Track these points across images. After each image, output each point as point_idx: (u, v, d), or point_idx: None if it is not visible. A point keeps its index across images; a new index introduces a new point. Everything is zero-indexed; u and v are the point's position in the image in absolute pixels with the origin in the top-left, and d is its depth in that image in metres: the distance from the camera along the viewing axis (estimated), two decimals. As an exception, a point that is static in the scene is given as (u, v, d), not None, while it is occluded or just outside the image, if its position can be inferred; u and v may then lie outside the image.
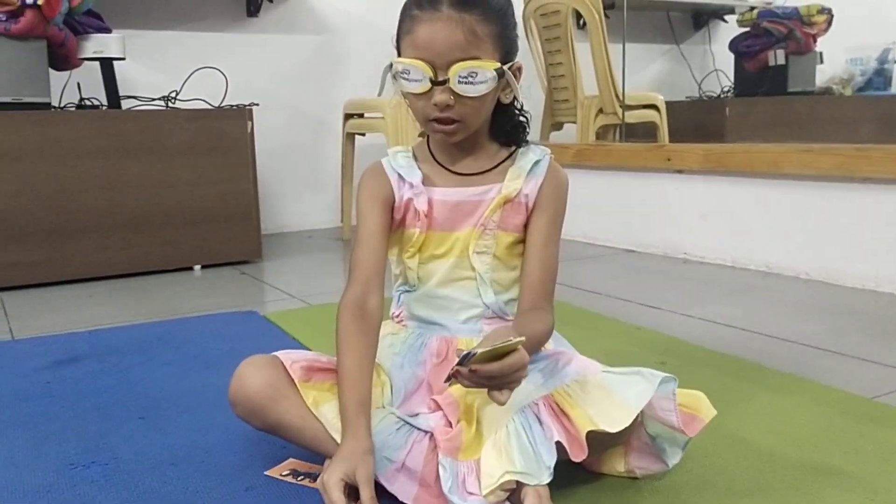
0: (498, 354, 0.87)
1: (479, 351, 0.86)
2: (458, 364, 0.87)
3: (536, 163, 1.09)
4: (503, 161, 1.10)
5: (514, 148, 1.11)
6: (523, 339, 0.88)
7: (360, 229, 1.10)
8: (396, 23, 1.03)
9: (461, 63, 0.96)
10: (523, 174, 1.08)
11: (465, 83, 0.97)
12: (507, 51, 1.01)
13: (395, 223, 1.11)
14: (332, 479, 0.89)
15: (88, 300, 2.23)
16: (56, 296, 2.28)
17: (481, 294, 1.09)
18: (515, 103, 1.09)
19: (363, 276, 1.06)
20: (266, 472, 1.06)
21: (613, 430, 0.90)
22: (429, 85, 0.98)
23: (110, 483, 1.05)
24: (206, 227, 2.63)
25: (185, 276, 2.54)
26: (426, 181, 1.09)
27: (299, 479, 1.04)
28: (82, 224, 2.42)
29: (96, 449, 1.16)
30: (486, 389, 0.90)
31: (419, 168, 1.10)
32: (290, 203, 3.50)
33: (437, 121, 1.01)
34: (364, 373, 0.98)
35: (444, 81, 0.97)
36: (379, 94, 1.09)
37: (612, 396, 0.93)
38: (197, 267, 2.63)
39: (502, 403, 0.89)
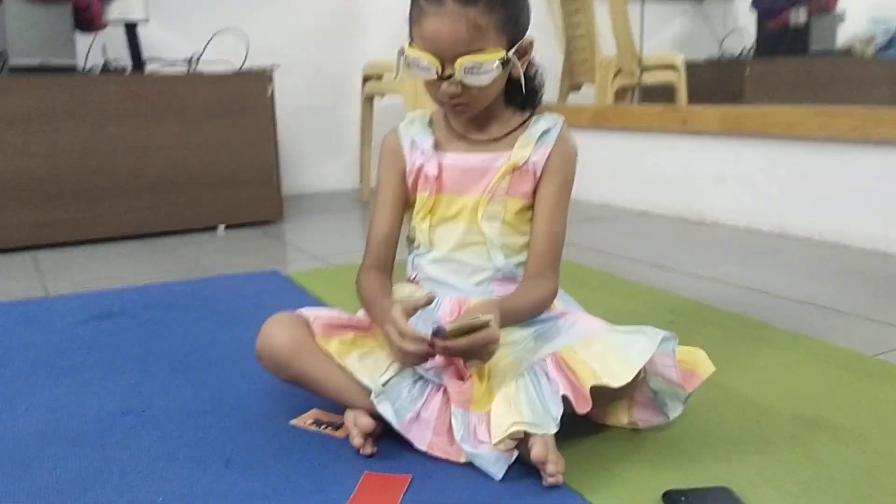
0: (467, 330, 0.95)
1: (449, 328, 0.94)
2: (433, 335, 0.96)
3: (546, 131, 1.13)
4: (515, 129, 1.15)
5: (528, 115, 1.15)
6: (491, 317, 0.96)
7: (375, 201, 1.20)
8: None
9: (465, 57, 1.01)
10: (532, 142, 1.13)
11: (471, 74, 1.02)
12: (514, 34, 1.05)
13: (409, 189, 1.17)
14: (395, 322, 0.99)
15: (117, 258, 2.31)
16: (86, 254, 2.37)
17: (492, 258, 1.14)
18: (529, 71, 1.13)
19: (374, 249, 1.17)
20: (291, 422, 1.13)
21: (616, 384, 0.95)
22: (436, 76, 1.03)
23: (146, 429, 1.13)
24: (229, 189, 2.69)
25: (209, 236, 2.61)
26: (438, 146, 1.15)
27: (322, 427, 1.11)
28: (110, 185, 2.50)
29: (132, 398, 1.24)
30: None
31: (433, 133, 1.16)
32: (310, 164, 3.55)
33: (449, 103, 1.07)
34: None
35: (451, 75, 1.03)
36: (395, 78, 1.14)
37: (615, 353, 0.98)
38: (221, 227, 2.70)
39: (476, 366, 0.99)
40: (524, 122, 1.15)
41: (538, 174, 1.13)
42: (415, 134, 1.17)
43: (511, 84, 1.11)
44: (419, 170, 1.15)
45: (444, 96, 1.06)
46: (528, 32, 1.08)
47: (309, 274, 2.03)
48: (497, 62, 1.02)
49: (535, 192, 1.14)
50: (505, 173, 1.12)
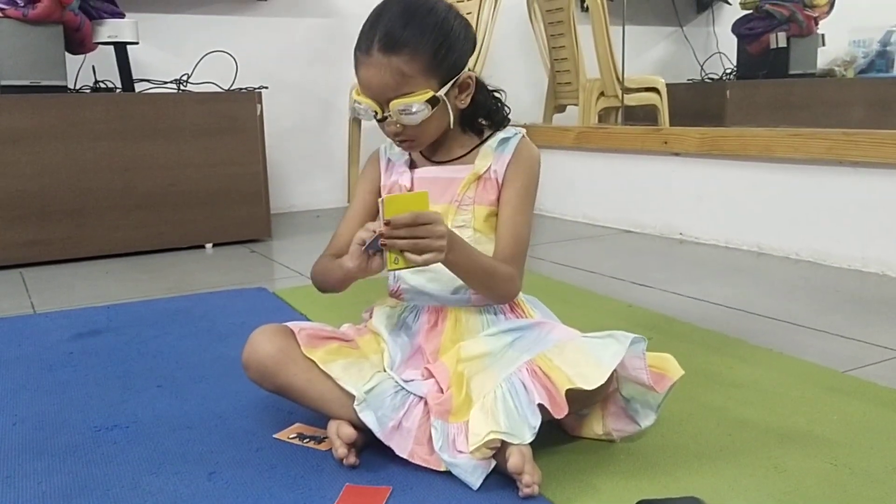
0: (407, 203, 1.00)
1: (386, 196, 1.01)
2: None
3: (505, 140, 1.19)
4: (477, 146, 1.21)
5: (489, 133, 1.21)
6: (426, 192, 1.03)
7: (348, 208, 1.29)
8: None
9: (396, 101, 1.09)
10: (492, 152, 1.19)
11: (404, 115, 1.09)
12: (447, 73, 1.11)
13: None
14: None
15: (105, 276, 2.33)
16: (74, 272, 2.38)
17: None
18: (483, 99, 1.19)
19: (336, 247, 1.22)
20: (274, 435, 1.15)
21: (590, 387, 0.99)
22: (376, 118, 1.12)
23: (131, 444, 1.15)
24: (218, 207, 2.72)
25: (197, 254, 2.63)
26: (411, 164, 1.24)
27: (305, 441, 1.13)
28: (99, 204, 2.52)
29: (118, 414, 1.26)
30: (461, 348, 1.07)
31: (409, 154, 1.24)
32: (298, 183, 3.58)
33: (395, 140, 1.16)
34: None
35: (387, 117, 1.11)
36: (350, 118, 1.22)
37: (588, 357, 1.02)
38: (209, 245, 2.72)
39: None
40: (484, 139, 1.21)
41: (500, 180, 1.18)
42: (392, 154, 1.26)
43: (467, 112, 1.18)
44: (392, 186, 1.22)
45: (390, 134, 1.15)
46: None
47: (295, 291, 2.05)
48: (425, 102, 1.08)
49: (499, 198, 1.19)
50: (468, 182, 1.18)
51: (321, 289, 1.20)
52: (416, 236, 1.00)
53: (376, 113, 1.11)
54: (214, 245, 2.73)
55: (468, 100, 1.16)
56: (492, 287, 1.15)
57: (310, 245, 2.80)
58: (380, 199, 1.02)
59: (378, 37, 1.07)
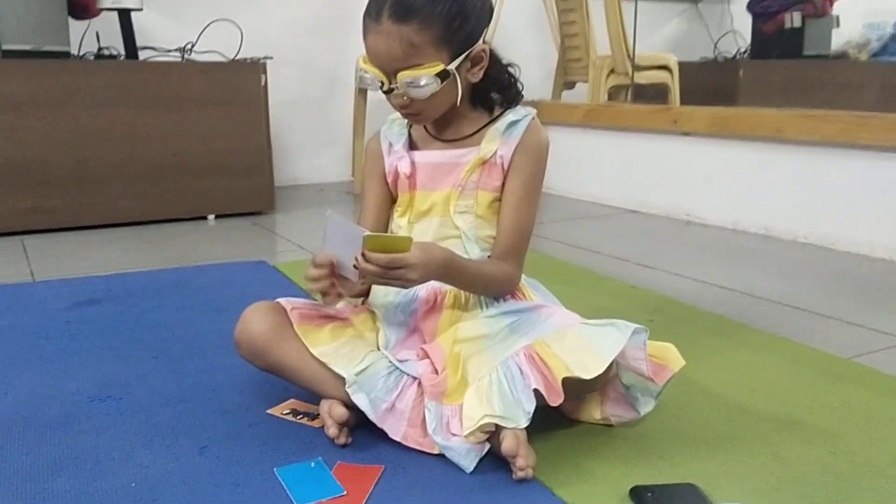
0: (387, 245, 0.99)
1: (368, 234, 0.98)
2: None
3: (513, 123, 1.15)
4: (485, 125, 1.16)
5: (499, 111, 1.17)
6: (411, 238, 1.01)
7: (361, 205, 1.24)
8: None
9: (404, 72, 1.05)
10: (499, 135, 1.14)
11: (412, 87, 1.05)
12: (459, 45, 1.06)
13: (391, 189, 1.21)
14: None
15: (106, 246, 2.32)
16: (75, 241, 2.37)
17: (467, 251, 1.15)
18: (497, 73, 1.14)
19: None
20: (268, 411, 1.14)
21: (588, 376, 0.96)
22: (380, 89, 1.08)
23: (124, 416, 1.14)
24: (221, 179, 2.70)
25: (199, 226, 2.62)
26: (413, 145, 1.19)
27: (298, 417, 1.12)
28: (101, 172, 2.50)
29: (112, 385, 1.25)
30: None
31: (410, 133, 1.20)
32: (302, 156, 3.56)
33: (402, 112, 1.12)
34: None
35: (394, 88, 1.06)
36: (356, 88, 1.18)
37: (587, 346, 1.00)
38: (211, 217, 2.71)
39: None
40: (494, 118, 1.16)
41: (506, 167, 1.14)
42: (391, 136, 1.21)
43: (478, 87, 1.13)
44: (396, 170, 1.19)
45: (396, 106, 1.11)
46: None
47: (296, 265, 2.04)
48: (434, 76, 1.04)
49: (503, 185, 1.16)
50: (473, 167, 1.14)
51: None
52: (387, 277, 1.00)
53: (382, 83, 1.07)
54: (217, 217, 2.72)
55: (481, 73, 1.11)
56: (490, 291, 1.15)
57: (313, 219, 2.79)
58: (364, 234, 0.99)
59: (389, 2, 1.02)
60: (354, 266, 1.00)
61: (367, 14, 1.06)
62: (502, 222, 1.15)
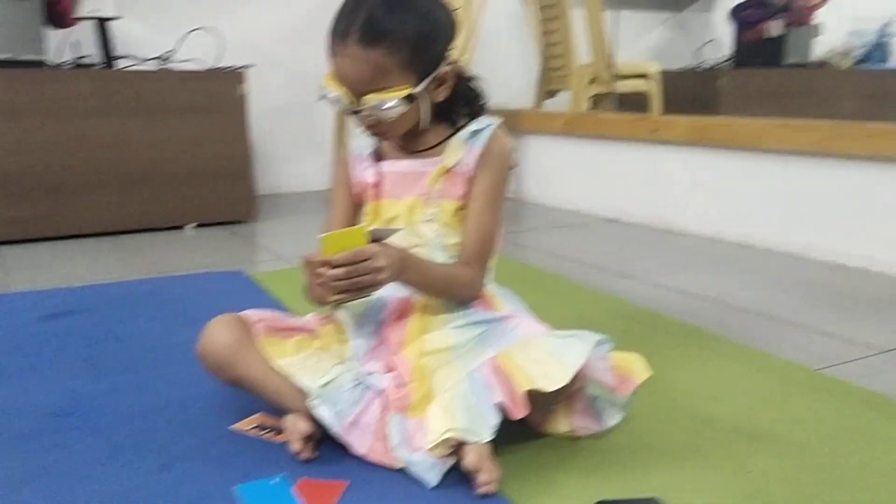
0: (343, 239, 0.99)
1: (322, 235, 0.97)
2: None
3: (476, 132, 1.15)
4: (449, 136, 1.17)
5: (463, 123, 1.17)
6: (362, 227, 1.02)
7: (330, 211, 1.24)
8: None
9: (370, 95, 1.05)
10: (462, 144, 1.15)
11: (378, 110, 1.06)
12: (425, 68, 1.07)
13: (358, 198, 1.21)
14: None
15: (83, 256, 2.30)
16: (54, 251, 2.35)
17: (433, 259, 1.14)
18: (462, 89, 1.15)
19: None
20: (231, 427, 1.13)
21: (551, 388, 0.96)
22: (342, 108, 1.07)
23: (87, 431, 1.13)
24: (201, 187, 2.69)
25: (178, 235, 2.60)
26: (381, 154, 1.20)
27: (265, 432, 1.11)
28: (79, 181, 2.48)
29: (77, 399, 1.24)
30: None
31: (379, 143, 1.20)
32: (285, 164, 3.55)
33: (367, 131, 1.13)
34: None
35: (360, 110, 1.06)
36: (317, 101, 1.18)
37: (551, 357, 0.99)
38: (190, 226, 2.69)
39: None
40: (457, 129, 1.17)
41: (470, 174, 1.15)
42: (358, 146, 1.22)
43: (443, 103, 1.14)
44: (362, 179, 1.19)
45: (362, 125, 1.11)
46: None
47: (273, 275, 2.03)
48: (401, 99, 1.05)
49: (467, 193, 1.16)
50: (437, 176, 1.15)
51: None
52: (356, 274, 0.99)
53: (349, 103, 1.07)
54: (198, 226, 2.70)
55: (447, 92, 1.12)
56: (451, 295, 1.14)
57: (294, 228, 2.78)
58: (319, 237, 0.99)
59: (358, 24, 1.02)
60: (319, 284, 0.99)
61: (333, 33, 1.06)
62: (467, 227, 1.16)
